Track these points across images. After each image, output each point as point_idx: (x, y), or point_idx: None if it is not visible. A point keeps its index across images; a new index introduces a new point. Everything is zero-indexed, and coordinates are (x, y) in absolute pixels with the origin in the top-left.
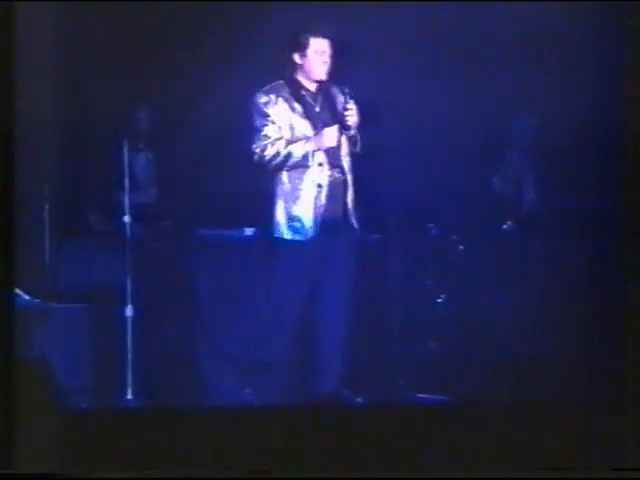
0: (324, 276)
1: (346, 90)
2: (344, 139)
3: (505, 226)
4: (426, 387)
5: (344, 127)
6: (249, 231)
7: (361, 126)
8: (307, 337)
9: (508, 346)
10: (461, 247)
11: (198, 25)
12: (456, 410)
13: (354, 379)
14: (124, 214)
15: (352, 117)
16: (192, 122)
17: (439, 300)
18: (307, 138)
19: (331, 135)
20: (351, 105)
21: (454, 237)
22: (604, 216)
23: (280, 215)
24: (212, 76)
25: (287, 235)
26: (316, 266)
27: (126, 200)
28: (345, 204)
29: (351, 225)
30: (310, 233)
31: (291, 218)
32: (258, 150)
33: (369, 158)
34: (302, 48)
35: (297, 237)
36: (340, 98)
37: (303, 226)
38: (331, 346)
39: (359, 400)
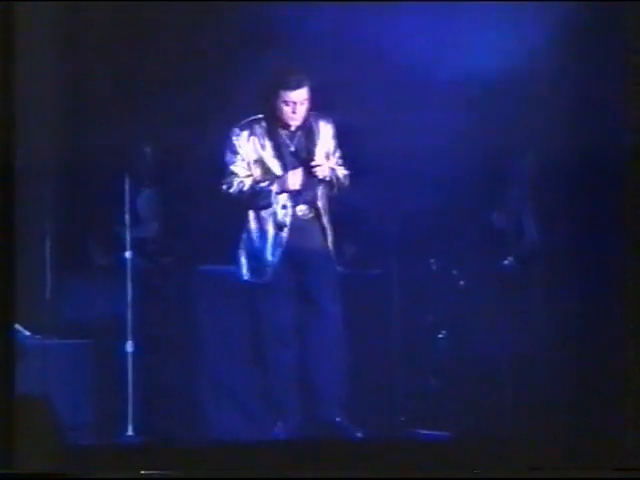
0: (309, 315)
1: (317, 142)
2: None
3: (506, 262)
4: (427, 423)
5: (315, 176)
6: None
7: (350, 163)
8: (307, 372)
9: (509, 381)
10: (462, 282)
11: (198, 57)
12: (457, 446)
13: (354, 414)
14: (125, 249)
15: (321, 172)
16: (192, 158)
17: (440, 336)
18: (272, 179)
19: (295, 178)
20: (320, 160)
21: (455, 272)
22: (605, 251)
23: (245, 255)
24: (210, 112)
25: (250, 276)
26: (297, 305)
27: (127, 235)
28: (318, 243)
29: (330, 262)
30: (276, 273)
31: (254, 258)
32: (224, 187)
33: (368, 194)
34: (270, 98)
35: (260, 278)
36: (317, 146)
37: (267, 266)
38: (331, 382)
39: (359, 435)
